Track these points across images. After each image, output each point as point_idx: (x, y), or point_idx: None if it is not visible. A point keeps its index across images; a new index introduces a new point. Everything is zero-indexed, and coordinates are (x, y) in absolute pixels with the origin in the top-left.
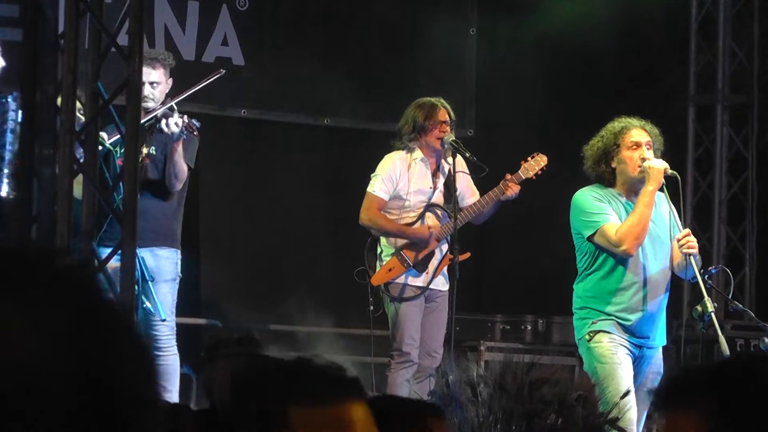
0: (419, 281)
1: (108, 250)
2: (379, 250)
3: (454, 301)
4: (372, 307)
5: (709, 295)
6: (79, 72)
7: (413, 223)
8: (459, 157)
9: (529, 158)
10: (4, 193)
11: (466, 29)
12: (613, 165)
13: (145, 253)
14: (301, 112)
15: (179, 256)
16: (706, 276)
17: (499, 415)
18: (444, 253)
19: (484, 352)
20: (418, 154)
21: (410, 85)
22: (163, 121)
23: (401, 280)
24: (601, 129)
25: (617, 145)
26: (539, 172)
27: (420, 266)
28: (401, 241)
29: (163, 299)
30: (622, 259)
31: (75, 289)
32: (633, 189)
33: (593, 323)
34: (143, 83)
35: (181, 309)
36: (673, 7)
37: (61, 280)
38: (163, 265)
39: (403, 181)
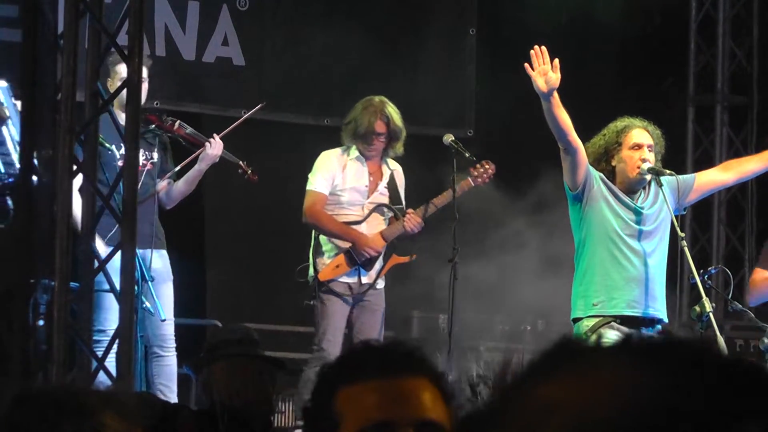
0: (352, 279)
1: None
2: (321, 247)
3: (453, 301)
4: (312, 302)
5: (708, 295)
6: (78, 72)
7: (358, 222)
8: (399, 168)
9: (478, 165)
10: None
11: (465, 29)
12: (613, 164)
13: (155, 256)
14: (301, 112)
15: None
16: (706, 276)
17: None
18: (390, 254)
19: (484, 352)
20: (354, 152)
21: (410, 86)
22: (208, 146)
23: (342, 279)
24: (603, 128)
25: (619, 144)
26: (486, 180)
27: (367, 265)
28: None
29: (167, 299)
30: (618, 255)
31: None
32: (631, 189)
33: (596, 326)
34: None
35: (181, 309)
36: (672, 7)
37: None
38: (167, 266)
39: (339, 177)
